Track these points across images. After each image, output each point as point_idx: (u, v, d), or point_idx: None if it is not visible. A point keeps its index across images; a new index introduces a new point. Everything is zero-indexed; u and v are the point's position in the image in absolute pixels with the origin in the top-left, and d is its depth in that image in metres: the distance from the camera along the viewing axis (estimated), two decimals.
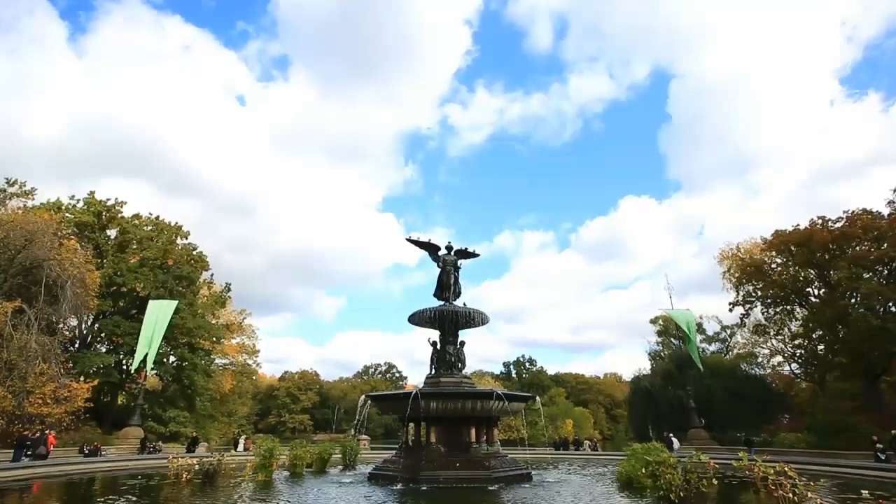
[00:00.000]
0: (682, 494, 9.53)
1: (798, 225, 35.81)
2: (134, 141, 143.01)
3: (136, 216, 39.63)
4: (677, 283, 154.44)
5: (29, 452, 19.97)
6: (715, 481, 10.34)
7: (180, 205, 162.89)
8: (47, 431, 22.40)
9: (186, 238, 41.86)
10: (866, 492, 11.86)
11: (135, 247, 38.19)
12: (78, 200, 37.05)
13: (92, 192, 37.50)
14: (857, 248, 32.96)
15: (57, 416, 25.99)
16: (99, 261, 34.65)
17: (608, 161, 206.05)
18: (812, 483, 9.79)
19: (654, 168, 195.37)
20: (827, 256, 34.29)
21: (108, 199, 37.68)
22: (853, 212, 33.84)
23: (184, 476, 14.27)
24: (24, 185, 32.58)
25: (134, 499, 11.80)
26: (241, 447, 31.04)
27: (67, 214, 35.18)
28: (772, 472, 9.96)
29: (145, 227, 39.57)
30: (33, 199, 33.45)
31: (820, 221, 34.89)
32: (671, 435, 31.43)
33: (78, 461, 20.84)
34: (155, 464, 20.33)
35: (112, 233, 38.23)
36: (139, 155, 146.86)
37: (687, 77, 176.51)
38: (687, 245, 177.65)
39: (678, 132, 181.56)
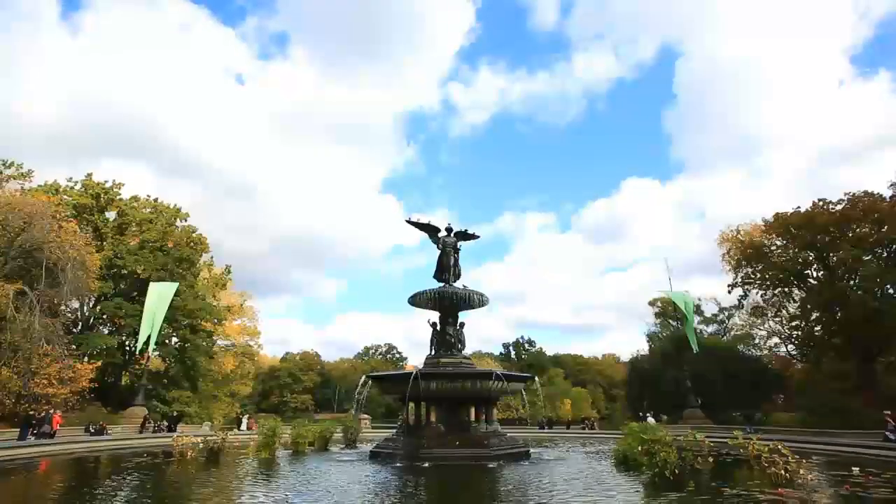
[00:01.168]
0: (676, 472, 9.73)
1: (799, 207, 35.74)
2: (131, 121, 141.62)
3: (135, 198, 39.47)
4: (678, 265, 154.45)
5: (35, 431, 20.31)
6: (710, 459, 10.55)
7: (180, 187, 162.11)
8: (52, 411, 22.74)
9: (186, 220, 41.81)
10: (856, 468, 12.13)
11: (134, 229, 38.16)
12: (76, 183, 36.87)
13: (89, 174, 37.30)
14: (858, 230, 32.92)
15: (62, 397, 26.39)
16: (99, 243, 34.67)
17: (612, 142, 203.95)
18: (804, 460, 9.99)
19: (658, 149, 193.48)
20: (827, 239, 34.29)
21: (105, 182, 37.49)
22: (854, 194, 33.70)
23: (189, 454, 14.54)
24: (21, 167, 32.38)
25: (141, 475, 12.07)
26: (244, 426, 31.58)
27: (65, 197, 35.05)
28: (765, 450, 10.16)
29: (144, 210, 39.45)
30: (31, 181, 33.30)
31: (821, 203, 34.79)
32: (648, 415, 35.77)
33: (84, 440, 21.23)
34: (159, 442, 20.70)
35: (111, 215, 38.14)
36: (137, 136, 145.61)
37: (694, 55, 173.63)
38: (689, 227, 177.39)
39: (683, 112, 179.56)
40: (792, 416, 29.79)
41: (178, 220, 41.21)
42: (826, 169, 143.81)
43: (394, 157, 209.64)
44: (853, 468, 12.17)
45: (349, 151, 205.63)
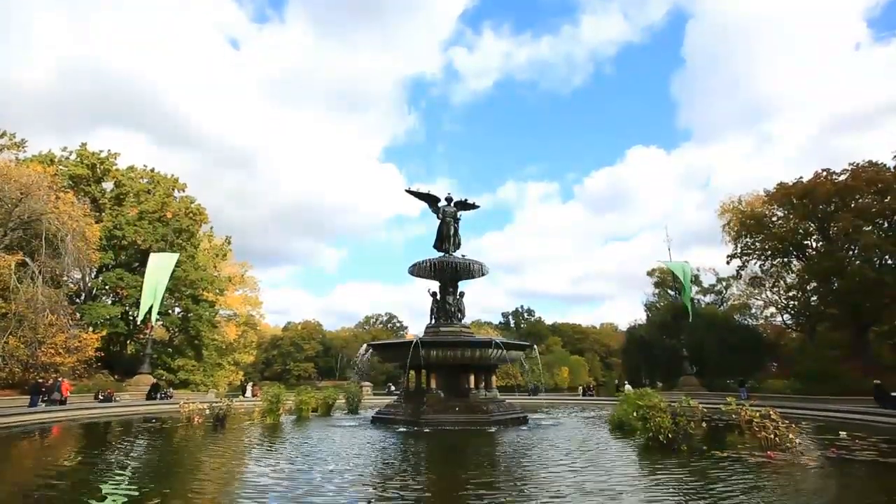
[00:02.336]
0: (669, 436, 10.03)
1: (801, 178, 35.46)
2: (124, 88, 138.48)
3: (131, 168, 39.07)
4: (680, 235, 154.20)
5: (45, 398, 20.81)
6: (704, 424, 10.86)
7: (177, 157, 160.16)
8: (60, 379, 23.23)
9: (184, 190, 41.52)
10: (844, 433, 12.51)
11: (132, 200, 37.95)
12: (70, 153, 36.40)
13: (84, 144, 36.79)
14: (860, 200, 32.78)
15: (70, 365, 26.92)
16: (97, 214, 34.54)
17: (618, 109, 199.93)
18: (794, 425, 10.28)
19: (665, 116, 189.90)
20: (829, 209, 34.19)
21: (101, 151, 37.00)
22: (858, 164, 33.36)
23: (195, 420, 14.95)
24: (14, 137, 31.90)
25: (151, 439, 12.47)
26: (248, 393, 32.31)
27: (61, 167, 34.67)
28: (757, 415, 10.44)
29: (141, 180, 39.11)
30: (25, 150, 32.90)
31: (824, 174, 34.50)
32: (627, 383, 37.97)
33: (93, 406, 21.77)
34: (167, 409, 21.24)
35: (108, 186, 37.84)
36: (131, 103, 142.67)
37: (706, 17, 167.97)
38: (692, 197, 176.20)
39: (692, 77, 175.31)
40: (784, 383, 30.45)
41: (175, 190, 40.91)
42: (835, 137, 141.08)
43: (395, 126, 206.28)
44: (841, 432, 12.56)
45: (349, 119, 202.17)
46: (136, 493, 6.61)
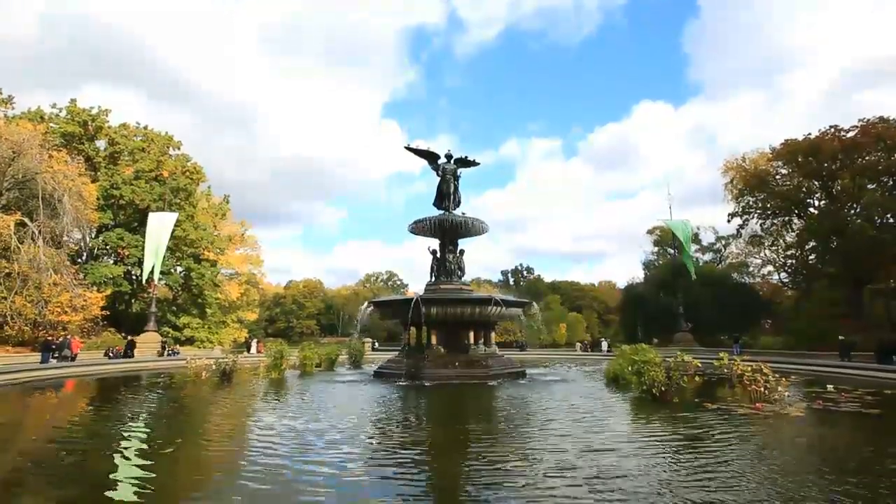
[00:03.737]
0: (663, 389, 10.38)
1: (809, 134, 34.71)
2: (113, 40, 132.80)
3: (124, 126, 38.16)
4: (685, 193, 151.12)
5: (56, 355, 21.37)
6: (696, 378, 11.22)
7: (171, 114, 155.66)
8: (69, 336, 23.75)
9: (179, 148, 40.78)
10: (831, 386, 12.95)
11: (126, 158, 37.34)
12: (60, 109, 35.44)
13: (73, 100, 35.74)
14: (867, 158, 32.26)
15: (77, 323, 27.45)
16: (92, 173, 34.09)
17: (627, 61, 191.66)
18: (783, 379, 10.61)
19: (675, 69, 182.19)
20: (834, 167, 33.74)
21: (91, 108, 36.03)
22: (868, 120, 32.57)
23: (203, 375, 15.41)
24: (1, 93, 31.00)
25: (161, 393, 12.91)
26: (253, 350, 33.12)
27: (52, 125, 33.88)
28: (748, 369, 10.76)
29: (135, 138, 38.32)
30: (13, 107, 32.04)
31: (832, 130, 33.76)
32: (602, 339, 40.78)
33: (103, 362, 22.40)
34: (174, 365, 21.85)
35: (101, 144, 37.12)
36: (121, 56, 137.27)
37: None
38: (698, 154, 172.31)
39: (706, 28, 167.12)
40: (777, 339, 31.17)
41: (170, 148, 40.18)
42: (850, 92, 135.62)
43: (395, 80, 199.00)
44: (828, 386, 13.00)
45: (349, 74, 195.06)
46: (151, 443, 6.91)
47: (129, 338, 28.02)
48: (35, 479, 5.18)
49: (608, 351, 33.57)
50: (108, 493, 4.39)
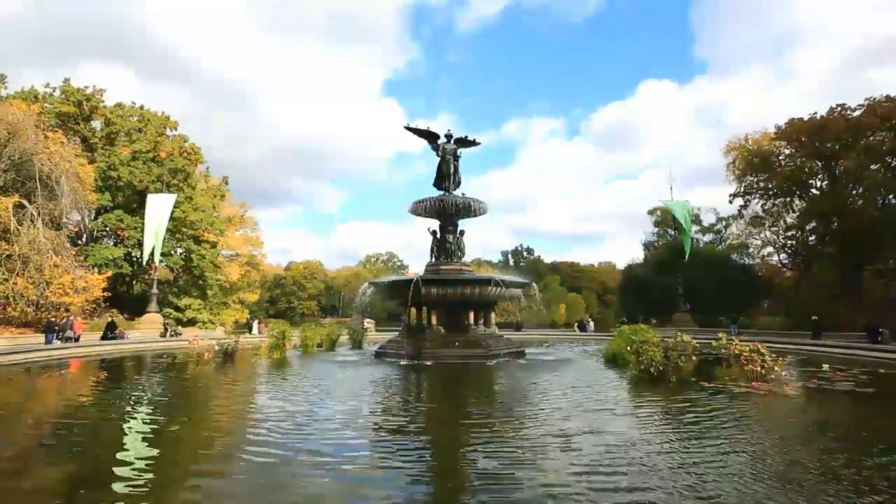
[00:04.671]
0: (661, 368, 10.50)
1: (815, 113, 34.27)
2: (107, 16, 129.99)
3: (119, 105, 37.65)
4: (688, 173, 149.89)
5: (59, 336, 21.56)
6: (694, 358, 11.32)
7: (168, 94, 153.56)
8: (72, 318, 23.90)
9: (175, 129, 40.35)
10: (826, 365, 13.09)
11: (123, 139, 36.95)
12: (54, 89, 34.93)
13: (67, 80, 35.18)
14: (872, 138, 31.93)
15: (79, 305, 27.59)
16: (89, 154, 33.80)
17: (632, 38, 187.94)
18: (780, 358, 10.72)
19: (681, 47, 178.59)
20: (837, 147, 33.41)
21: (86, 87, 35.48)
22: (875, 99, 32.12)
23: (206, 355, 15.57)
24: None
25: (165, 373, 13.07)
26: (255, 330, 33.39)
27: (46, 105, 33.43)
28: (746, 349, 10.86)
29: (130, 118, 37.86)
30: (6, 87, 31.58)
31: (838, 109, 33.33)
32: (584, 319, 41.21)
33: (107, 343, 22.58)
34: (177, 345, 22.06)
35: (97, 124, 36.70)
36: (115, 33, 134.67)
37: None
38: (703, 134, 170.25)
39: (713, 4, 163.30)
40: (776, 320, 31.37)
41: (168, 129, 39.75)
42: (861, 69, 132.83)
43: (396, 57, 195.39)
44: (824, 365, 13.14)
45: (348, 51, 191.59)
46: (158, 420, 7.02)
47: (111, 318, 27.74)
48: (45, 453, 5.30)
49: (593, 332, 35.29)
50: (115, 469, 4.48)
